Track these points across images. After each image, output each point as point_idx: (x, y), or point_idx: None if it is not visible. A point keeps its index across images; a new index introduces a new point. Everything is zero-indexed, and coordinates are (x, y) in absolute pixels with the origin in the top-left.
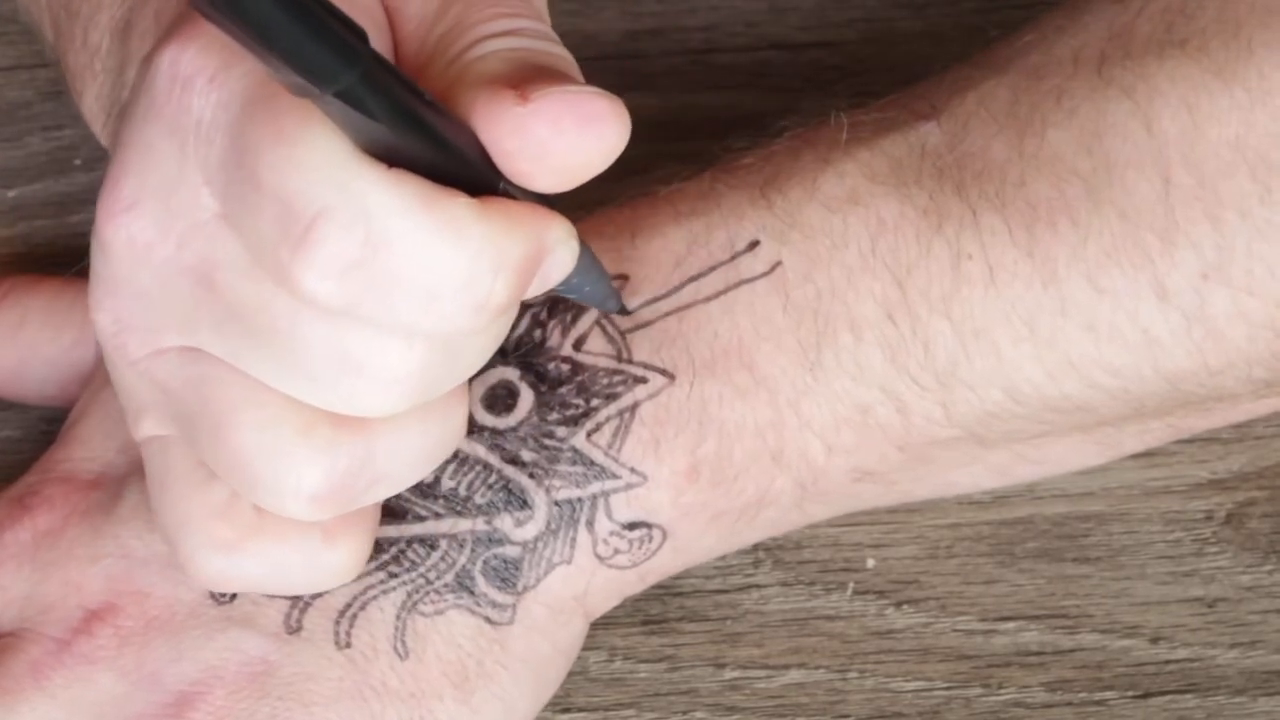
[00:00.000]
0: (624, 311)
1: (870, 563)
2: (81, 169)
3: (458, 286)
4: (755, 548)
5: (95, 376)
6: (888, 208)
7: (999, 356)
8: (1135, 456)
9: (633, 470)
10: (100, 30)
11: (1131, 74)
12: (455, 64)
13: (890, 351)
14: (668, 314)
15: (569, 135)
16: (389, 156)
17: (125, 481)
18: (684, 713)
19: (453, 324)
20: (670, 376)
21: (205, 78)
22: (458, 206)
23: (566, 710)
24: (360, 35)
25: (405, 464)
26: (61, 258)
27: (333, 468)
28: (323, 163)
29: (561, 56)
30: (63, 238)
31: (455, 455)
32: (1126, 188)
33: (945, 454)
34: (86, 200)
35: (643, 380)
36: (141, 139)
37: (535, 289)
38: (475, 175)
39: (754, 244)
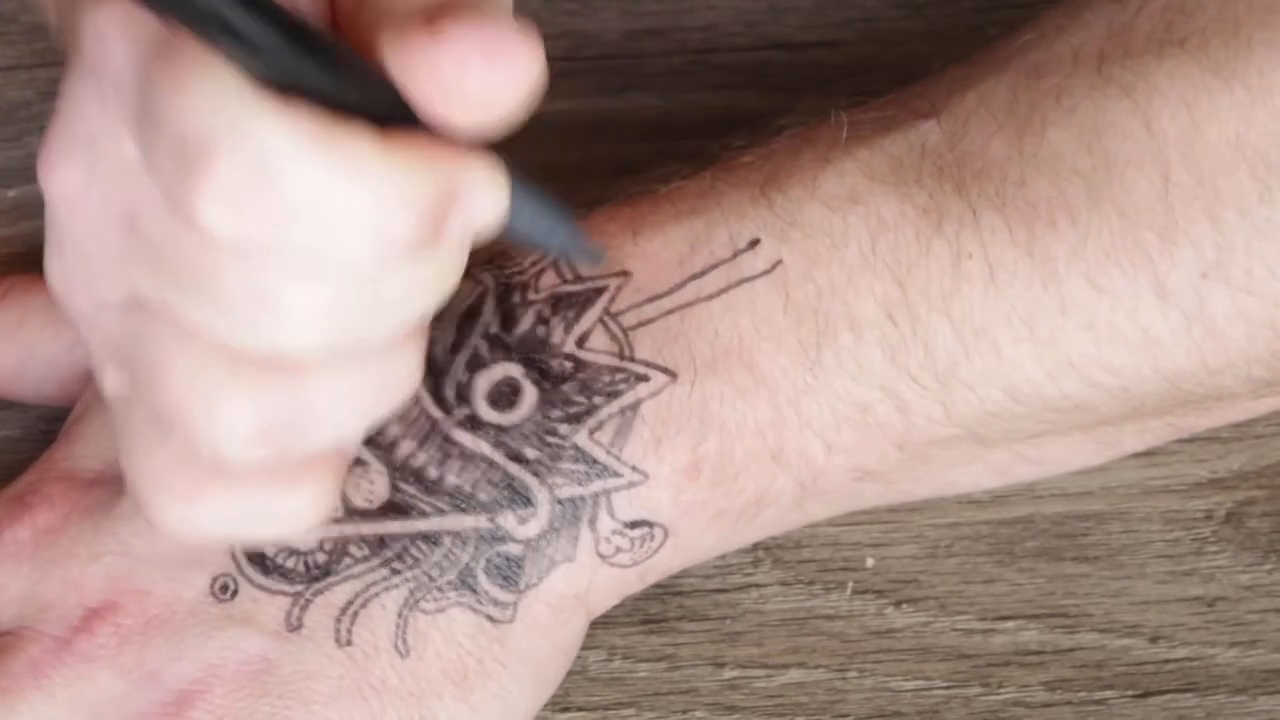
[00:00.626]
0: (596, 260)
1: (869, 562)
2: None
3: (354, 219)
4: (754, 547)
5: None
6: (888, 206)
7: (999, 356)
8: (1135, 456)
9: (634, 469)
10: None
11: (1131, 72)
12: (377, 5)
13: (890, 351)
14: (669, 312)
15: (477, 71)
16: (291, 96)
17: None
18: (683, 712)
19: (354, 256)
20: (672, 375)
21: (118, 29)
22: (354, 139)
23: (566, 709)
24: None
25: (342, 409)
26: None
27: (262, 407)
28: (213, 96)
29: None
30: None
31: (460, 452)
32: (1126, 186)
33: (945, 453)
34: None
35: (645, 378)
36: (69, 92)
37: (460, 230)
38: (392, 116)
39: (755, 242)
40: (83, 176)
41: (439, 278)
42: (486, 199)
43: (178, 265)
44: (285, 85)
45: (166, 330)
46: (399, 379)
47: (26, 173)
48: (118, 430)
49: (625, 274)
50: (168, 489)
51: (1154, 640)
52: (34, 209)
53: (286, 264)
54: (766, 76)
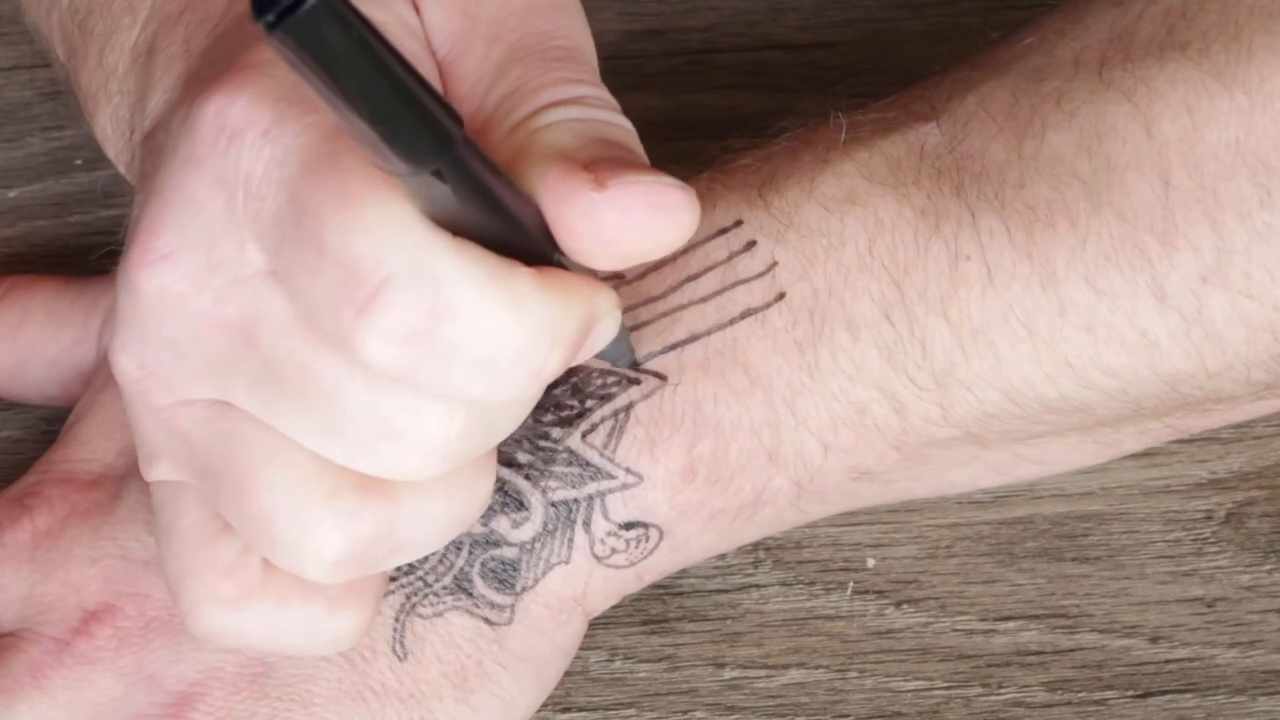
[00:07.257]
0: (634, 365)
1: (870, 562)
2: (82, 169)
3: (514, 357)
4: (755, 547)
5: (97, 377)
6: (885, 208)
7: (997, 357)
8: (1134, 456)
9: (628, 470)
10: (117, 52)
11: (1132, 76)
12: (519, 131)
13: (887, 351)
14: (663, 314)
15: (639, 222)
16: (453, 225)
17: (124, 482)
18: (684, 712)
19: (504, 393)
20: (663, 378)
21: (258, 131)
22: (521, 279)
23: (567, 710)
24: (456, 118)
25: (428, 532)
26: (62, 257)
27: (356, 534)
28: (391, 228)
29: (625, 129)
30: (63, 237)
31: None
32: (1126, 190)
33: (943, 454)
34: (86, 200)
35: (636, 381)
36: (181, 188)
37: (581, 356)
38: (532, 245)
39: (751, 244)
40: (192, 279)
41: (536, 398)
42: (609, 326)
43: (299, 383)
44: (452, 217)
45: (263, 439)
46: (479, 500)
47: (26, 173)
48: (159, 519)
49: (620, 277)
50: (208, 591)
51: (1154, 641)
52: (34, 209)
53: (426, 395)
54: (766, 76)
